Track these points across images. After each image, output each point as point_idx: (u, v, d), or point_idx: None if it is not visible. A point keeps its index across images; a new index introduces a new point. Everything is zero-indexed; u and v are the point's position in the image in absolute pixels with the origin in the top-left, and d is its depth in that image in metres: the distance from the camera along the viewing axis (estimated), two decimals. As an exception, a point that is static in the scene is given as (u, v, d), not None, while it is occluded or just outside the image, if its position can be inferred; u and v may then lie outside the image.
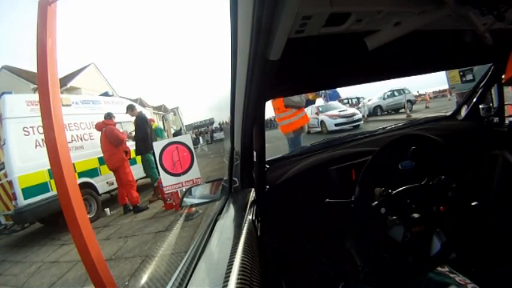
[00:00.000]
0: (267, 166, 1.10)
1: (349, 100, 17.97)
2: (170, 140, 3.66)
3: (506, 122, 1.34)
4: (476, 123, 1.40)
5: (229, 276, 0.41)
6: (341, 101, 18.04)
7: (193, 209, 3.63)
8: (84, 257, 1.67)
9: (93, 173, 5.34)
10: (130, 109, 5.29)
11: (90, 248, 1.66)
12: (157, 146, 3.56)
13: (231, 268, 0.43)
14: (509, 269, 0.92)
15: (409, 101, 13.40)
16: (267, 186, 1.04)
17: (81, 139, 5.37)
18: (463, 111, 1.49)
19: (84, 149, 5.33)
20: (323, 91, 18.66)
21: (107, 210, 5.22)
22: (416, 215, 0.81)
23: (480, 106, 1.39)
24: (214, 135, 27.09)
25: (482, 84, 1.37)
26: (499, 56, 1.11)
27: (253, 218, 0.77)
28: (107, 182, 5.58)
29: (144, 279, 2.33)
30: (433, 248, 0.84)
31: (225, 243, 0.57)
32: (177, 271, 0.59)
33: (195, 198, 1.27)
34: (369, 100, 15.06)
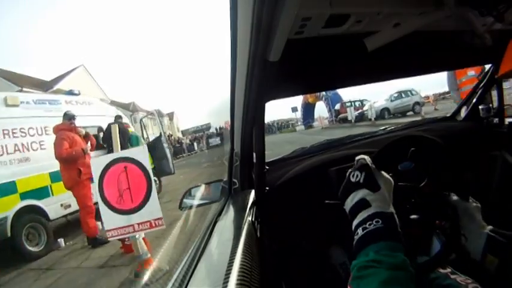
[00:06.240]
0: (267, 167, 1.10)
1: (352, 103, 16.74)
2: (115, 156, 2.21)
3: (506, 122, 1.34)
4: (476, 124, 1.40)
5: (228, 277, 0.41)
6: (344, 103, 17.34)
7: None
8: None
9: (42, 193, 4.04)
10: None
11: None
12: (96, 165, 2.20)
13: (231, 269, 0.43)
14: (509, 269, 0.92)
15: (417, 102, 12.68)
16: (267, 188, 1.04)
17: (27, 149, 4.03)
18: (463, 112, 1.49)
19: (31, 161, 4.02)
20: (324, 94, 18.23)
21: (61, 240, 4.02)
22: (415, 216, 0.81)
23: (480, 107, 1.39)
24: (210, 140, 24.75)
25: (482, 84, 1.37)
26: (499, 56, 1.11)
27: (253, 219, 0.77)
28: (61, 205, 4.24)
29: (144, 279, 2.32)
30: (433, 248, 0.83)
31: (225, 245, 0.57)
32: (177, 271, 0.60)
33: (195, 199, 1.27)
34: (374, 102, 14.02)
